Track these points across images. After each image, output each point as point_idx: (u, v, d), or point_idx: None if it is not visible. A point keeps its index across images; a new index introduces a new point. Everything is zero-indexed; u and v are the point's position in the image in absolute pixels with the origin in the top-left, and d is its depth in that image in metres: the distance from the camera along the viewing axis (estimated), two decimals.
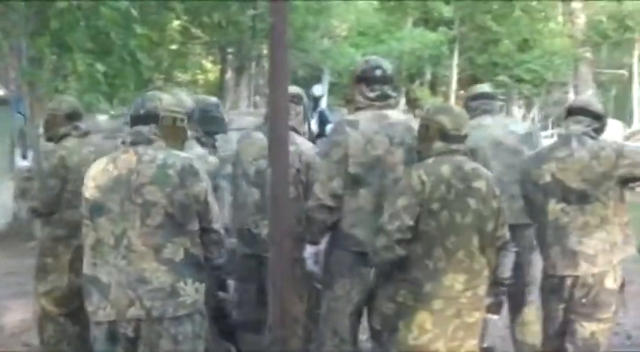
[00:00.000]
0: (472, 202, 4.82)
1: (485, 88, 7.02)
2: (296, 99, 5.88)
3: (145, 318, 4.35)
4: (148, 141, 4.52)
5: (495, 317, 5.10)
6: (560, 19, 35.38)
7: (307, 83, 29.11)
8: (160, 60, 23.72)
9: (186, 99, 5.91)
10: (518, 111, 37.35)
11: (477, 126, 6.28)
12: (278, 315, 4.78)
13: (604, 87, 40.18)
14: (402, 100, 31.57)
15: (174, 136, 4.66)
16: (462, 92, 35.50)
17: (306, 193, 5.61)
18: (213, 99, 6.47)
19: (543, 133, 36.17)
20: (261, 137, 5.75)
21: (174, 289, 4.39)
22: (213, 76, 30.54)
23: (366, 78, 5.34)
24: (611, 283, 5.28)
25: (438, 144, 4.93)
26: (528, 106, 37.23)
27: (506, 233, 4.96)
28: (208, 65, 30.59)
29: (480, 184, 4.86)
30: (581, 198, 5.31)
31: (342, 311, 5.31)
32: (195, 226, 4.50)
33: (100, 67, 10.24)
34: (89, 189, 4.48)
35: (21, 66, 12.18)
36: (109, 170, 4.46)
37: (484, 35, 30.62)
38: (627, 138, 24.26)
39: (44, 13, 10.65)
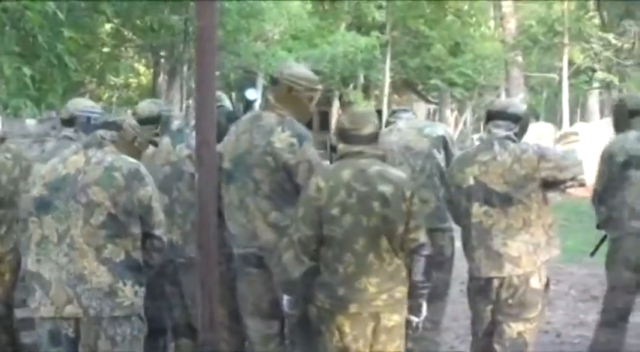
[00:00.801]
0: (376, 205, 4.79)
1: None
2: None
3: (82, 317, 4.37)
4: (100, 145, 4.61)
5: (416, 319, 5.10)
6: (491, 23, 35.91)
7: (242, 86, 29.20)
8: (91, 63, 23.61)
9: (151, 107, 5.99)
10: (451, 114, 37.77)
11: (388, 131, 6.36)
12: (207, 318, 4.77)
13: (535, 90, 40.90)
14: (336, 103, 31.77)
15: (132, 151, 4.78)
16: (395, 96, 35.89)
17: None
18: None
19: (476, 136, 36.79)
20: (167, 142, 5.77)
21: (113, 289, 4.42)
22: (145, 79, 30.46)
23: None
24: (536, 283, 5.38)
25: (341, 146, 4.96)
26: (461, 109, 37.67)
27: (419, 236, 4.88)
28: (141, 68, 30.49)
29: (385, 187, 4.82)
30: (504, 201, 5.38)
31: (244, 312, 5.47)
32: (137, 230, 4.53)
33: (27, 70, 10.14)
34: (37, 187, 4.52)
35: None
36: (57, 169, 4.53)
37: (416, 39, 30.90)
38: (558, 140, 24.64)
39: None
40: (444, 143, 6.31)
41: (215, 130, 4.89)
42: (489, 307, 5.45)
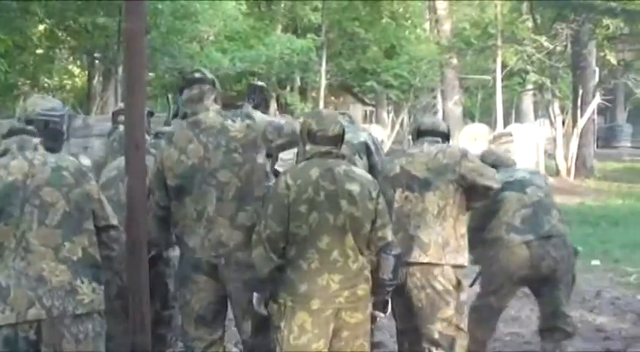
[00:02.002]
0: (344, 203, 4.93)
1: None
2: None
3: (45, 318, 4.39)
4: (35, 148, 4.65)
5: (382, 315, 5.27)
6: (426, 25, 36.12)
7: (176, 88, 29.00)
8: (25, 65, 23.30)
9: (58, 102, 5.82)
10: (387, 115, 37.88)
11: None
12: (139, 320, 4.81)
13: (470, 91, 41.21)
14: (274, 105, 31.72)
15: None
16: (332, 98, 35.92)
17: None
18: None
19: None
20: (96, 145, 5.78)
21: (73, 287, 4.47)
22: (80, 81, 30.10)
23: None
24: (441, 284, 5.69)
25: (308, 147, 5.10)
26: (397, 111, 37.78)
27: (386, 235, 5.06)
28: (76, 70, 30.14)
29: (352, 186, 4.97)
30: (423, 186, 5.78)
31: (187, 320, 5.45)
32: (91, 225, 4.61)
33: None
34: None
35: None
36: (2, 177, 4.51)
37: (352, 42, 30.96)
38: (492, 141, 24.95)
39: None
40: (366, 149, 6.43)
41: (144, 133, 4.94)
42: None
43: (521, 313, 8.84)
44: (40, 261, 4.43)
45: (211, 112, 5.34)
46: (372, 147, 6.48)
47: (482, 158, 6.89)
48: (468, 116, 41.60)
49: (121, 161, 5.61)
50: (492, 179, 5.93)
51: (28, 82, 25.65)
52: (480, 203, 6.09)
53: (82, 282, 4.50)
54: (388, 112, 38.39)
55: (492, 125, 31.70)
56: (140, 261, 4.76)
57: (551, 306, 6.84)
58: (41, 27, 21.41)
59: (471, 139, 34.37)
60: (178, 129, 5.42)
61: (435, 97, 38.94)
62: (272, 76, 27.72)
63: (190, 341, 5.49)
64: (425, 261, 5.68)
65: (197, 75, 5.49)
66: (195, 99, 5.37)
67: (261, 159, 5.33)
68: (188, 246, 5.32)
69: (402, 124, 38.05)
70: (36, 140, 4.69)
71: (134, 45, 4.75)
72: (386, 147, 32.17)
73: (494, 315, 6.90)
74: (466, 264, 5.93)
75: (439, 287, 5.67)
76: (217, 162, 5.24)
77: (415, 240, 5.71)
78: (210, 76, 5.54)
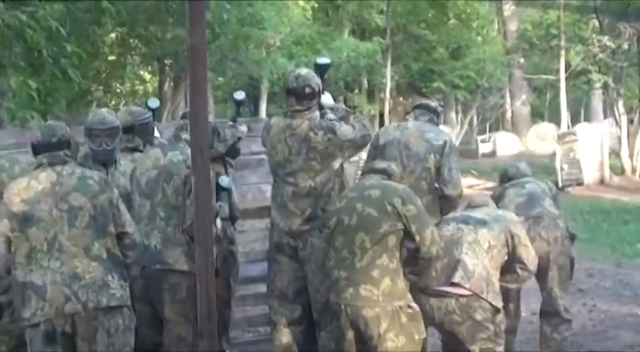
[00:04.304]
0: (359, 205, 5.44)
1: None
2: None
3: (81, 312, 4.80)
4: (64, 162, 5.09)
5: None
6: (494, 26, 36.15)
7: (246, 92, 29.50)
8: (98, 71, 23.95)
9: (108, 117, 6.23)
10: (456, 116, 37.96)
11: (394, 126, 6.96)
12: (205, 309, 5.19)
13: (539, 91, 41.08)
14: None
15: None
16: (401, 99, 36.13)
17: None
18: (147, 111, 6.76)
19: (481, 137, 37.03)
20: (155, 150, 6.15)
21: (105, 282, 4.89)
22: (152, 86, 30.70)
23: None
24: (479, 315, 5.84)
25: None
26: (465, 111, 37.82)
27: (425, 239, 5.43)
28: (147, 76, 30.77)
29: (372, 191, 5.51)
30: (479, 223, 6.15)
31: (271, 296, 6.37)
32: (112, 229, 5.05)
33: (32, 83, 10.58)
34: (16, 205, 4.94)
35: None
36: (32, 186, 4.97)
37: (417, 44, 31.15)
38: (557, 140, 24.96)
39: None
40: (442, 150, 6.56)
41: (207, 138, 5.36)
42: None
43: (572, 308, 9.04)
44: (73, 260, 4.86)
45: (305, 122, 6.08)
46: (447, 150, 6.63)
47: (504, 172, 7.40)
48: (538, 115, 41.50)
49: (158, 160, 6.02)
50: (532, 262, 6.19)
51: (100, 87, 26.31)
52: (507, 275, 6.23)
53: (113, 278, 4.94)
54: (456, 112, 38.45)
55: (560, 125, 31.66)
56: (208, 252, 5.16)
57: (545, 288, 7.01)
58: (113, 35, 22.00)
59: (539, 139, 34.37)
60: (275, 127, 6.20)
61: (502, 97, 38.96)
62: (339, 79, 28.11)
63: (274, 315, 6.26)
64: (466, 287, 5.78)
65: (307, 90, 6.10)
66: (294, 111, 6.13)
67: (336, 165, 6.12)
68: (275, 229, 6.21)
69: (470, 124, 38.10)
70: (62, 154, 5.10)
71: (197, 58, 5.14)
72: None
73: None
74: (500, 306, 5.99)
75: (478, 317, 5.80)
76: (297, 166, 6.03)
77: (460, 264, 5.85)
78: (316, 88, 6.14)
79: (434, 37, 30.47)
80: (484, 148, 35.31)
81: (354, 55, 25.73)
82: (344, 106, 6.83)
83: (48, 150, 5.09)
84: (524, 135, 35.75)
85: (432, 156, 6.48)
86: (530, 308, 8.21)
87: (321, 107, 6.31)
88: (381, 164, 5.83)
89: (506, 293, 6.46)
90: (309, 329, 6.22)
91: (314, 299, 6.08)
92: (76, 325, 4.83)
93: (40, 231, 4.89)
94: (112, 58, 24.86)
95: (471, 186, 21.64)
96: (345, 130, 6.09)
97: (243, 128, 6.78)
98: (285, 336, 6.20)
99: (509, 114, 39.89)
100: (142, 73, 30.22)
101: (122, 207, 5.19)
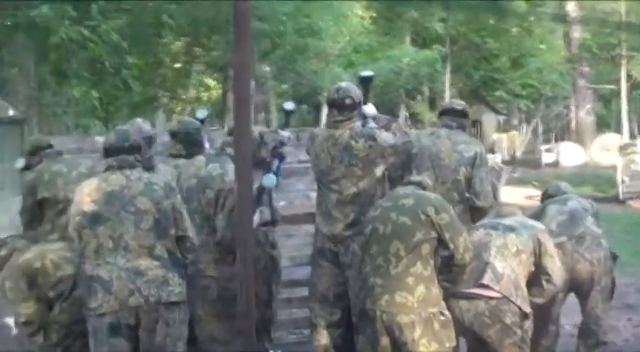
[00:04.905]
0: (393, 215, 5.59)
1: None
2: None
3: (143, 305, 5.21)
4: (132, 166, 5.48)
5: None
6: (558, 34, 35.88)
7: (303, 101, 29.84)
8: (163, 78, 24.51)
9: (144, 126, 6.69)
10: (519, 124, 37.77)
11: (427, 134, 7.10)
12: (244, 306, 5.50)
13: (605, 100, 40.61)
14: (404, 114, 32.19)
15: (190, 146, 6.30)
16: None
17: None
18: (197, 123, 7.08)
19: (545, 146, 36.73)
20: (201, 158, 6.43)
21: (166, 279, 5.30)
22: (215, 93, 31.16)
23: None
24: (508, 319, 5.93)
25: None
26: (529, 120, 37.59)
27: (457, 246, 5.52)
28: (211, 83, 31.25)
29: (405, 200, 5.65)
30: (508, 229, 6.26)
31: (313, 298, 6.58)
32: (173, 232, 5.44)
33: (95, 93, 11.10)
34: (86, 204, 5.35)
35: (29, 90, 13.15)
36: (102, 187, 5.37)
37: (477, 52, 31.10)
38: (619, 151, 24.71)
39: (44, 45, 11.54)
40: (472, 162, 6.72)
41: (250, 148, 5.67)
42: None
43: (618, 323, 9.01)
44: (137, 258, 5.25)
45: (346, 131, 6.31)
46: (478, 162, 6.77)
47: (545, 190, 7.53)
48: (605, 125, 40.98)
49: (200, 169, 6.32)
50: (557, 274, 6.24)
51: (167, 94, 26.86)
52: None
53: (173, 276, 5.32)
54: (520, 121, 38.27)
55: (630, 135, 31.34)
56: (247, 255, 5.47)
57: (586, 308, 6.97)
58: (179, 43, 22.49)
59: (604, 150, 33.84)
60: (319, 137, 6.49)
61: (567, 107, 38.62)
62: (400, 87, 28.28)
63: (314, 317, 6.47)
64: (495, 290, 5.87)
65: (347, 101, 6.34)
66: (336, 121, 6.37)
67: (379, 172, 6.33)
68: (318, 234, 6.45)
69: (534, 133, 37.88)
70: (132, 158, 5.48)
71: (242, 74, 5.45)
72: (517, 156, 32.33)
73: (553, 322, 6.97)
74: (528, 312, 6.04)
75: (507, 320, 5.87)
76: (340, 173, 6.28)
77: (490, 267, 5.94)
78: (356, 99, 6.38)
79: (495, 45, 30.34)
80: (547, 158, 34.94)
81: (413, 63, 25.86)
82: (386, 116, 7.03)
83: (119, 153, 5.46)
84: (588, 145, 35.32)
85: (463, 168, 6.65)
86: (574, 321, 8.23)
87: (364, 117, 6.52)
88: (416, 177, 6.01)
89: (547, 313, 6.60)
90: (347, 332, 6.41)
91: (353, 303, 6.26)
92: (139, 317, 5.24)
93: (108, 229, 5.28)
94: (177, 65, 25.36)
95: (531, 196, 21.46)
96: (385, 137, 6.30)
97: (286, 134, 6.95)
98: (324, 338, 6.43)
99: (573, 124, 39.52)
100: (206, 80, 30.71)
101: (184, 212, 5.55)
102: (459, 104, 7.12)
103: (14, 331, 6.46)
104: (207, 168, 6.29)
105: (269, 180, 6.35)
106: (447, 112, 7.00)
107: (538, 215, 7.08)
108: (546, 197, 7.44)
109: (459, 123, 6.92)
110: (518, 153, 33.32)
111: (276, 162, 6.75)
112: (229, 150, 6.27)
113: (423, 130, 6.53)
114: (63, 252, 5.89)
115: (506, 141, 34.52)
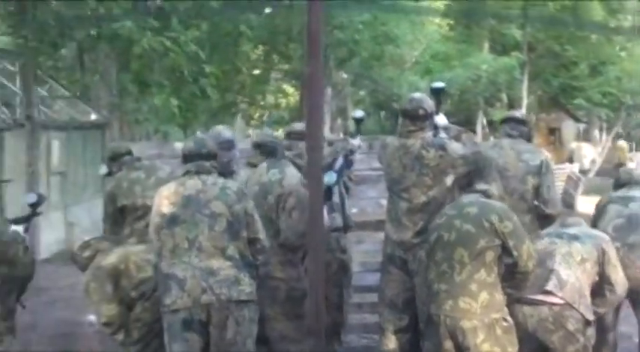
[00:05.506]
0: (457, 222, 5.70)
1: None
2: (304, 136, 6.64)
3: (215, 303, 5.46)
4: (209, 172, 5.77)
5: None
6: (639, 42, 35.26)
7: (379, 107, 29.87)
8: (242, 84, 24.90)
9: (224, 132, 6.92)
10: (599, 133, 37.26)
11: (491, 145, 7.20)
12: (314, 308, 5.68)
13: None
14: (483, 121, 32.00)
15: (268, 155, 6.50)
16: (543, 115, 35.77)
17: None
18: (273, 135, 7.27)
19: (631, 154, 36.05)
20: (263, 165, 6.64)
21: (237, 279, 5.56)
22: (294, 99, 31.44)
23: None
24: (571, 325, 5.96)
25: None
26: (610, 129, 37.01)
27: (521, 254, 5.61)
28: (290, 89, 31.56)
29: (470, 209, 5.75)
30: (573, 237, 6.27)
31: (382, 304, 6.67)
32: (245, 234, 5.70)
33: (174, 100, 11.44)
34: (165, 206, 5.67)
35: (111, 97, 13.63)
36: (180, 191, 5.68)
37: (555, 60, 30.80)
38: None
39: (126, 55, 11.93)
40: (539, 171, 6.85)
41: (322, 153, 5.85)
42: None
43: None
44: (211, 258, 5.51)
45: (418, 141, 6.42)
46: (544, 170, 6.87)
47: (616, 177, 7.41)
48: None
49: (262, 176, 6.53)
50: (620, 284, 6.23)
51: (245, 100, 27.24)
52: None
53: (244, 276, 5.56)
54: (600, 130, 37.73)
55: None
56: (319, 260, 5.65)
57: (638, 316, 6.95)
58: (257, 51, 22.82)
59: None
60: (391, 146, 6.57)
61: None
62: (477, 94, 28.19)
63: (383, 322, 6.59)
64: (559, 296, 5.91)
65: (420, 112, 6.45)
66: (408, 131, 6.48)
67: (449, 181, 6.39)
68: (388, 241, 6.55)
69: (614, 142, 37.30)
70: (208, 164, 5.75)
71: (314, 86, 5.65)
72: (596, 166, 31.90)
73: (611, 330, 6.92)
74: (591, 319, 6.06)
75: (570, 327, 5.91)
76: (411, 182, 6.38)
77: (554, 274, 5.98)
78: (429, 110, 6.51)
79: (574, 52, 30.01)
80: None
81: (491, 70, 25.78)
82: (457, 126, 7.13)
83: (197, 159, 5.77)
84: None
85: (530, 177, 6.78)
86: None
87: (435, 127, 6.65)
88: (481, 186, 6.10)
89: (603, 321, 6.59)
90: (414, 338, 6.53)
91: (420, 310, 6.38)
92: (210, 314, 5.48)
93: (184, 231, 5.56)
94: (255, 72, 25.69)
95: None
96: (455, 147, 6.41)
97: (356, 142, 7.12)
98: (391, 342, 6.55)
99: None
100: (285, 86, 31.02)
101: (256, 215, 5.79)
102: (520, 113, 7.28)
103: (96, 327, 6.75)
104: (267, 174, 6.54)
105: (329, 177, 6.52)
106: (508, 121, 7.14)
107: (600, 211, 7.09)
108: (619, 185, 7.32)
109: (520, 132, 7.05)
110: (599, 163, 32.84)
111: (339, 161, 6.90)
112: (288, 154, 6.50)
113: (486, 142, 6.55)
114: (144, 255, 6.17)
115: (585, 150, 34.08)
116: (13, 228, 6.86)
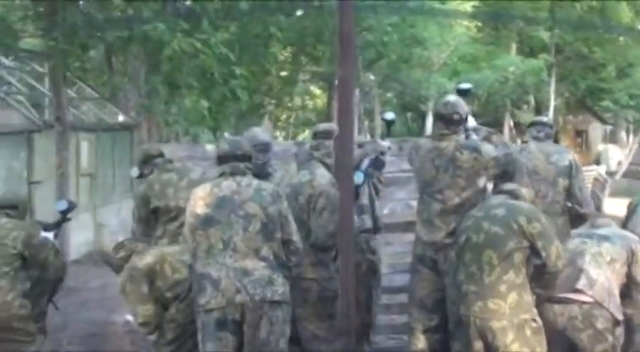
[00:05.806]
0: (485, 224, 5.75)
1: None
2: (330, 135, 6.75)
3: (248, 303, 5.50)
4: (243, 174, 5.81)
5: None
6: None
7: (406, 109, 29.86)
8: (270, 86, 25.00)
9: (260, 134, 6.94)
10: (626, 136, 37.08)
11: (519, 150, 7.14)
12: (345, 307, 5.73)
13: None
14: (510, 123, 31.95)
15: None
16: (570, 117, 35.66)
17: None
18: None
19: None
20: (293, 167, 6.76)
21: (271, 280, 5.59)
22: (321, 101, 31.51)
23: None
24: (600, 324, 6.00)
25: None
26: (637, 131, 36.80)
27: (550, 255, 5.63)
28: (317, 91, 31.62)
29: (497, 210, 5.81)
30: (603, 238, 6.29)
31: (412, 304, 6.66)
32: (279, 235, 5.73)
33: (204, 102, 11.51)
34: (200, 207, 5.71)
35: (139, 98, 13.71)
36: (215, 192, 5.73)
37: (582, 62, 30.71)
38: None
39: (155, 56, 12.02)
40: (569, 172, 6.92)
41: (352, 156, 5.91)
42: None
43: None
44: (245, 259, 5.55)
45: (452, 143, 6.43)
46: (574, 171, 6.97)
47: None
48: None
49: (292, 177, 6.62)
50: None
51: (272, 102, 27.33)
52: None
53: (277, 277, 5.60)
54: (627, 132, 37.54)
55: None
56: (349, 260, 5.68)
57: None
58: (285, 53, 22.89)
59: None
60: (423, 148, 6.59)
61: None
62: (505, 96, 28.16)
63: (412, 322, 6.59)
64: (589, 295, 5.95)
65: (455, 117, 6.46)
66: (442, 134, 6.50)
67: (481, 183, 6.42)
68: (418, 241, 6.55)
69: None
70: (243, 166, 5.79)
71: (345, 89, 5.69)
72: (623, 167, 31.74)
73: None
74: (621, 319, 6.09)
75: (600, 326, 5.95)
76: (444, 183, 6.38)
77: (584, 273, 6.02)
78: (463, 115, 6.53)
79: (602, 54, 29.92)
80: None
81: (519, 72, 25.75)
82: (486, 128, 7.16)
83: (232, 161, 5.81)
84: None
85: (561, 179, 6.85)
86: None
87: (466, 129, 6.68)
88: (509, 185, 6.15)
89: (629, 322, 6.52)
90: (444, 338, 6.53)
91: (450, 310, 6.39)
92: (244, 314, 5.51)
93: (218, 231, 5.60)
94: (283, 73, 25.78)
95: None
96: (488, 149, 6.43)
97: (386, 143, 7.17)
98: (420, 342, 6.57)
99: None
100: (312, 88, 31.08)
101: (290, 217, 5.83)
102: (546, 116, 7.26)
103: (133, 326, 6.82)
104: (298, 175, 6.63)
105: (357, 177, 6.52)
106: (535, 124, 7.23)
107: (631, 212, 7.09)
108: None
109: (546, 133, 7.15)
110: (625, 165, 32.67)
111: (366, 162, 6.93)
112: (316, 154, 6.55)
113: (514, 146, 6.59)
114: (179, 256, 6.19)
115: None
116: (43, 234, 6.91)
